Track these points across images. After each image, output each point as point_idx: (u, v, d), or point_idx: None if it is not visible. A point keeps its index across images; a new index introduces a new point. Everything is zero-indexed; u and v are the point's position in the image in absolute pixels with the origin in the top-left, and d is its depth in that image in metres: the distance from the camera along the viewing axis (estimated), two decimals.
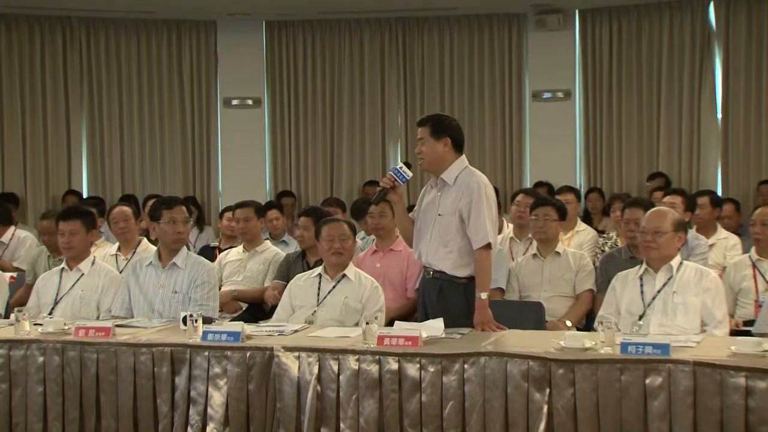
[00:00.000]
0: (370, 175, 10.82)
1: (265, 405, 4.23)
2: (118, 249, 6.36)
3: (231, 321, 5.46)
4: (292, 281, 5.38)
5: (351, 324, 4.93)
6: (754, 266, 5.74)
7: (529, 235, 6.32)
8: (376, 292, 5.10)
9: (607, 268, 5.67)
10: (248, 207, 6.81)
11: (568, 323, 5.56)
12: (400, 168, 4.78)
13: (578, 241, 7.06)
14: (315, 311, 5.09)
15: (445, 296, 4.76)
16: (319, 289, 5.16)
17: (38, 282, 5.63)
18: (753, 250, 5.82)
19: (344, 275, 5.16)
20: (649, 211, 4.87)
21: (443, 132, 4.75)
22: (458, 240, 4.73)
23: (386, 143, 11.02)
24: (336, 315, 5.02)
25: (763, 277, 5.66)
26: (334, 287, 5.13)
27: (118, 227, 6.37)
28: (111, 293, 5.36)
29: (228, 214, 7.60)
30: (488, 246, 4.68)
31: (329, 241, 5.16)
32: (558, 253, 5.91)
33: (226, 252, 6.87)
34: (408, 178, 4.79)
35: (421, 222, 4.88)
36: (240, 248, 6.76)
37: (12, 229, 7.99)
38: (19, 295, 6.34)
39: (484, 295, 4.63)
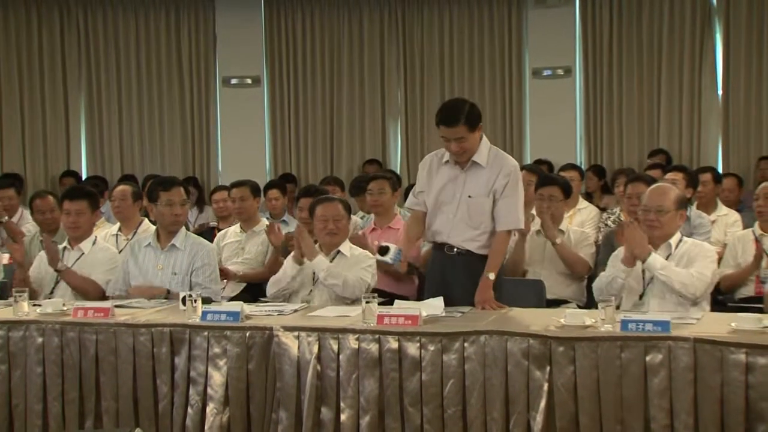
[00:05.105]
0: (369, 153, 10.82)
1: (265, 385, 4.23)
2: (119, 229, 6.35)
3: (230, 301, 5.45)
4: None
5: (348, 297, 4.92)
6: (757, 241, 5.71)
7: (533, 212, 6.29)
8: (366, 259, 5.11)
9: (609, 244, 5.64)
10: (244, 186, 6.78)
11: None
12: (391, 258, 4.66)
13: (580, 219, 7.03)
14: (311, 290, 5.07)
15: (472, 272, 4.68)
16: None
17: (41, 255, 5.54)
18: (756, 224, 5.79)
19: (339, 251, 5.15)
20: (650, 189, 4.81)
21: (478, 121, 4.62)
22: (490, 222, 4.70)
23: (386, 122, 10.99)
24: (331, 293, 5.00)
25: (766, 252, 5.63)
26: None
27: (114, 206, 6.38)
28: (103, 268, 5.33)
29: (219, 195, 7.55)
30: (511, 231, 4.71)
31: (323, 221, 5.14)
32: (561, 231, 5.90)
33: (223, 232, 6.83)
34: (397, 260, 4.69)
35: (438, 202, 4.77)
36: (237, 228, 6.73)
37: (20, 210, 7.96)
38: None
39: (491, 276, 4.60)
